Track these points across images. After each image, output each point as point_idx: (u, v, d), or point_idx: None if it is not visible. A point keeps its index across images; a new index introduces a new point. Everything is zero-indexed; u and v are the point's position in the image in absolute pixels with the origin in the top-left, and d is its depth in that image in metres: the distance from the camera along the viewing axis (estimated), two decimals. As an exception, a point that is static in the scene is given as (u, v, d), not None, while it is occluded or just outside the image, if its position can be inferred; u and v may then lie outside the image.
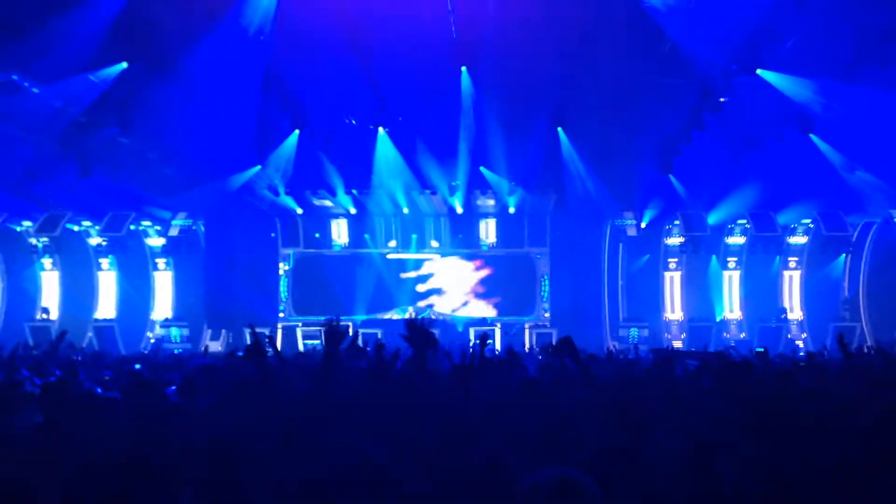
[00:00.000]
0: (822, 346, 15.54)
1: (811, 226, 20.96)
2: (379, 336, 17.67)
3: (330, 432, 3.20)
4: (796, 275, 21.72)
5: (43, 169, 19.19)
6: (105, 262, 22.04)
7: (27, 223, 20.95)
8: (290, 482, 2.65)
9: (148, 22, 14.76)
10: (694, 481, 2.98)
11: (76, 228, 21.63)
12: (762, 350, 11.11)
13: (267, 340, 5.22)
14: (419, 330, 4.02)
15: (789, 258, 21.59)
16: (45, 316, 20.93)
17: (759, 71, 16.60)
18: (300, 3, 15.31)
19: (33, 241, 20.88)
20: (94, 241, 21.82)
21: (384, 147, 20.86)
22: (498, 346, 19.27)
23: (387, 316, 23.09)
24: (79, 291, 21.77)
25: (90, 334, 20.53)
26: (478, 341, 5.52)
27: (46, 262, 21.33)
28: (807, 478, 2.86)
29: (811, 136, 17.94)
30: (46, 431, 4.17)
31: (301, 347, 19.60)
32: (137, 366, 7.72)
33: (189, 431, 3.69)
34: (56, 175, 19.41)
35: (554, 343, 18.69)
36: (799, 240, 21.34)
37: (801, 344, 20.41)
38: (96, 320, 21.30)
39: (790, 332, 20.94)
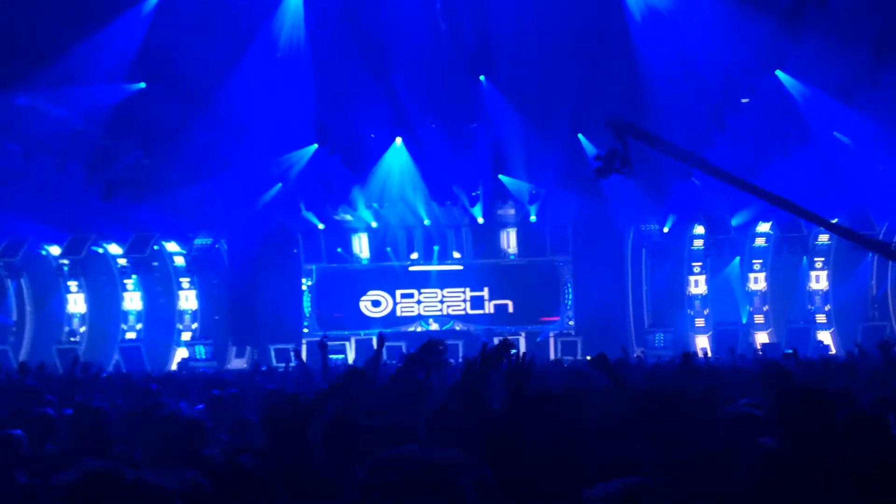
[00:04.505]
0: (853, 347, 15.32)
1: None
2: (403, 349, 17.59)
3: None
4: (823, 275, 21.50)
5: (67, 193, 19.31)
6: (130, 282, 22.17)
7: (52, 247, 21.13)
8: None
9: (170, 45, 14.85)
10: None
11: (100, 251, 21.78)
12: (791, 352, 10.93)
13: (293, 354, 5.19)
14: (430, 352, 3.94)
15: (815, 258, 21.37)
16: (72, 338, 21.07)
17: (777, 72, 16.51)
18: (321, 21, 15.39)
19: (59, 263, 21.05)
20: (119, 262, 21.94)
21: (403, 158, 20.86)
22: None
23: (410, 328, 23.03)
24: (105, 312, 21.93)
25: (117, 356, 20.63)
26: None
27: (72, 284, 21.51)
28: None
29: (836, 133, 17.75)
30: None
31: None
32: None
33: None
34: (80, 198, 19.52)
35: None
36: (825, 239, 21.08)
37: (833, 350, 20.13)
38: (122, 341, 21.41)
39: (818, 333, 20.70)
